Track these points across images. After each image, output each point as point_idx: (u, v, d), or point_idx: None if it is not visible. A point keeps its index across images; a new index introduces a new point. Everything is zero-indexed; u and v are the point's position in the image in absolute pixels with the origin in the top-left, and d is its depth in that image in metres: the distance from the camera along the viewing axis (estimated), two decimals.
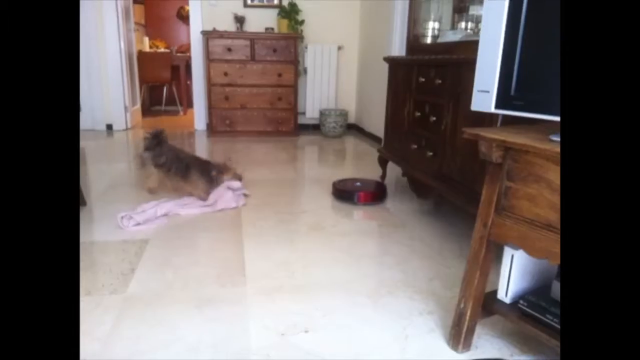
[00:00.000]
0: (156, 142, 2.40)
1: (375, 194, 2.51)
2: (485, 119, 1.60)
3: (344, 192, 2.51)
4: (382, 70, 3.45)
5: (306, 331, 1.29)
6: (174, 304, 1.42)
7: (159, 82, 6.03)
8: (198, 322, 1.32)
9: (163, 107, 6.48)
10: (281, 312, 1.38)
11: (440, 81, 2.05)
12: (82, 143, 3.88)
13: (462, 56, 1.92)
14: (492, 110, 1.13)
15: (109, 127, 4.61)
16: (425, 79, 2.21)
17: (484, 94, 1.44)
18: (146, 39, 6.19)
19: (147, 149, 2.39)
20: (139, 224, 2.03)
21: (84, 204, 2.29)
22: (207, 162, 2.52)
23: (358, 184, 2.61)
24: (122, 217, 2.03)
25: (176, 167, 2.37)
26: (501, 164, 1.07)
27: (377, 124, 4.07)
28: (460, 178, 1.90)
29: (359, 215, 2.28)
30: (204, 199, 2.34)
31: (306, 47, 4.56)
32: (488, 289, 1.21)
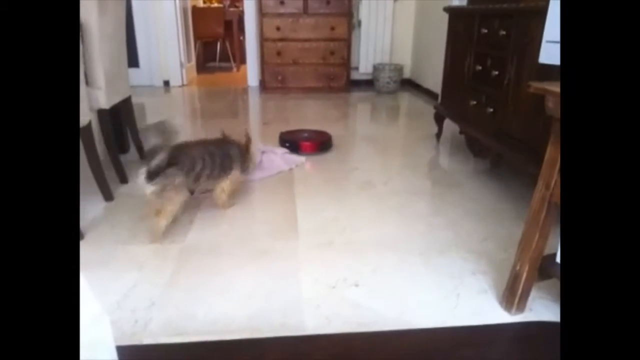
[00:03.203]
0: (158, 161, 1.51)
1: (319, 144, 2.55)
2: (553, 73, 1.49)
3: (286, 142, 2.56)
4: (441, 22, 3.27)
5: (356, 285, 1.31)
6: (229, 255, 1.48)
7: (213, 38, 6.06)
8: (252, 272, 1.37)
9: (217, 64, 6.55)
10: (331, 267, 1.41)
11: (504, 32, 1.91)
12: (141, 99, 4.02)
13: (531, 4, 1.77)
14: None
15: (166, 83, 4.74)
16: (488, 30, 2.07)
17: (554, 45, 1.33)
18: None
19: (153, 174, 1.51)
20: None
21: (144, 157, 2.39)
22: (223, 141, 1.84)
23: (305, 134, 2.66)
24: None
25: (212, 167, 1.68)
26: None
27: (433, 79, 3.91)
28: (521, 136, 1.80)
29: (415, 173, 2.24)
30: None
31: None
32: (546, 251, 1.17)
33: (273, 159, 2.37)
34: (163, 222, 1.55)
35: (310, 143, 2.54)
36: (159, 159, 1.49)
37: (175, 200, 1.57)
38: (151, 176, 1.50)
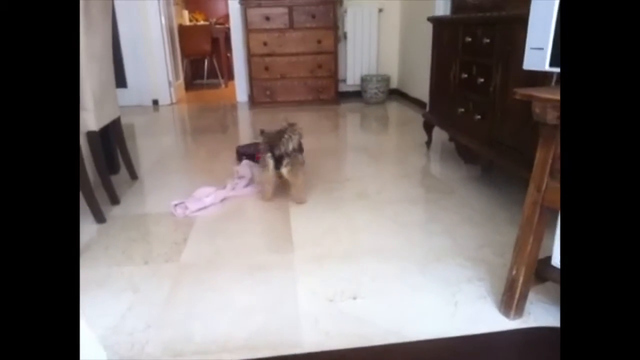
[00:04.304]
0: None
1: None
2: (538, 79, 1.51)
3: (243, 155, 2.56)
4: (426, 32, 3.31)
5: (354, 298, 1.30)
6: (226, 270, 1.47)
7: (200, 55, 6.08)
8: (248, 289, 1.37)
9: (205, 80, 6.56)
10: (329, 279, 1.40)
11: (488, 40, 1.94)
12: (131, 119, 4.01)
13: (513, 12, 1.81)
14: (546, 68, 1.07)
15: (155, 102, 4.73)
16: (472, 39, 2.10)
17: (538, 52, 1.35)
18: (185, 13, 6.22)
19: (279, 158, 1.96)
20: (193, 212, 1.93)
21: (135, 177, 2.39)
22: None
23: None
24: (175, 205, 1.94)
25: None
26: (557, 125, 1.01)
27: (421, 88, 3.95)
28: (511, 142, 1.82)
29: (408, 182, 2.25)
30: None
31: (345, 11, 4.44)
32: (541, 255, 1.18)
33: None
34: (302, 194, 2.02)
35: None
36: (281, 147, 1.94)
37: (302, 173, 2.02)
38: (278, 160, 1.94)
